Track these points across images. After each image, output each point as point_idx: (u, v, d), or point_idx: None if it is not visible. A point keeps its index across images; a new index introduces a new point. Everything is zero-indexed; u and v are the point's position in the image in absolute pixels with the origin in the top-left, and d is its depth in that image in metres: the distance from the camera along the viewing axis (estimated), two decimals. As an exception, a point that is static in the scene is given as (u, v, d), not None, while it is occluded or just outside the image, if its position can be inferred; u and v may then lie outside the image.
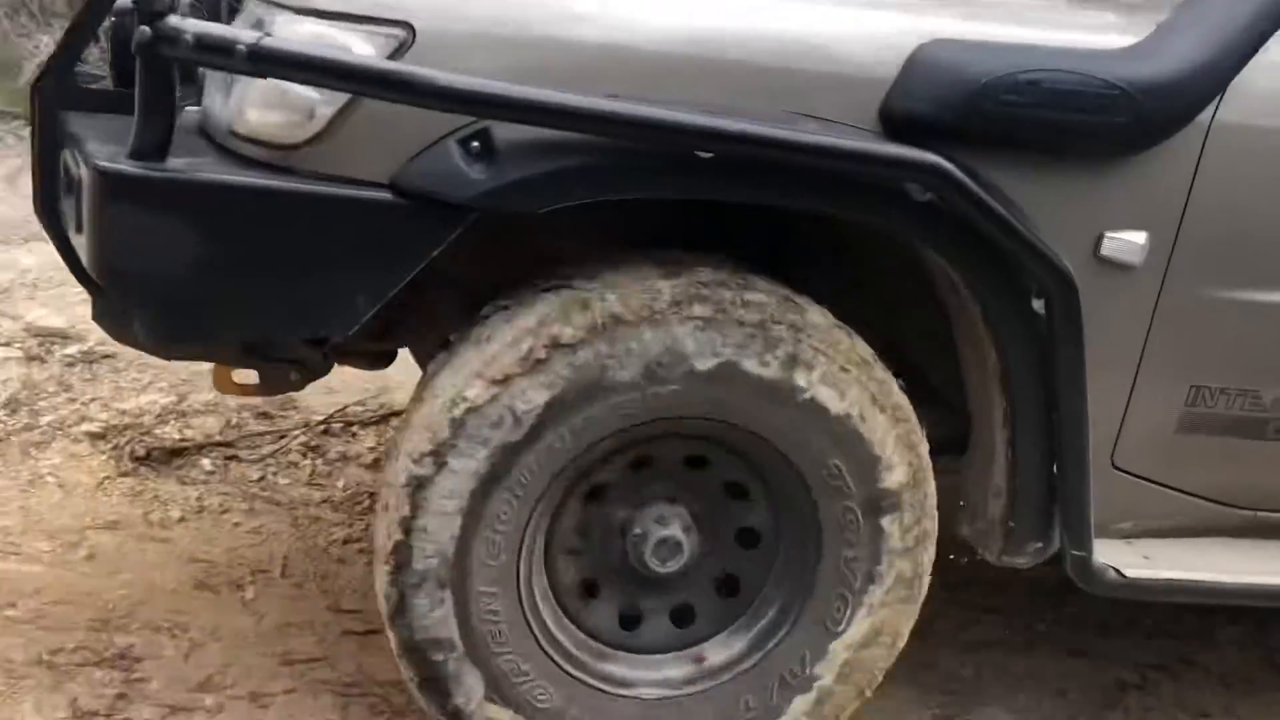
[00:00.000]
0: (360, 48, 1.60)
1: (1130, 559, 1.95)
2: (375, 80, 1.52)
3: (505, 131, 1.57)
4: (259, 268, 1.61)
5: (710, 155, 1.59)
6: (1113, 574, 1.90)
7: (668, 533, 1.80)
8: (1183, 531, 2.04)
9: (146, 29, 1.47)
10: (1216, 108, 1.78)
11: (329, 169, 1.62)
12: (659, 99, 1.58)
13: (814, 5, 1.74)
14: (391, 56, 1.59)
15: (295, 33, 1.65)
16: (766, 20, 1.69)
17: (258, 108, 1.66)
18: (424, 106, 1.53)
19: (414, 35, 1.60)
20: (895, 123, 1.66)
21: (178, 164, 1.58)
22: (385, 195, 1.60)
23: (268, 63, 1.49)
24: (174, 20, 1.48)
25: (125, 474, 2.76)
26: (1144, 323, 1.85)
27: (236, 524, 2.64)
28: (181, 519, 2.63)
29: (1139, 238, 1.79)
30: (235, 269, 1.61)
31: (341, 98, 1.59)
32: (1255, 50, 1.77)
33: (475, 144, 1.57)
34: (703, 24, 1.68)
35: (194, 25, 1.49)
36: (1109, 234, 1.79)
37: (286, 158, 1.64)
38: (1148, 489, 1.97)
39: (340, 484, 2.87)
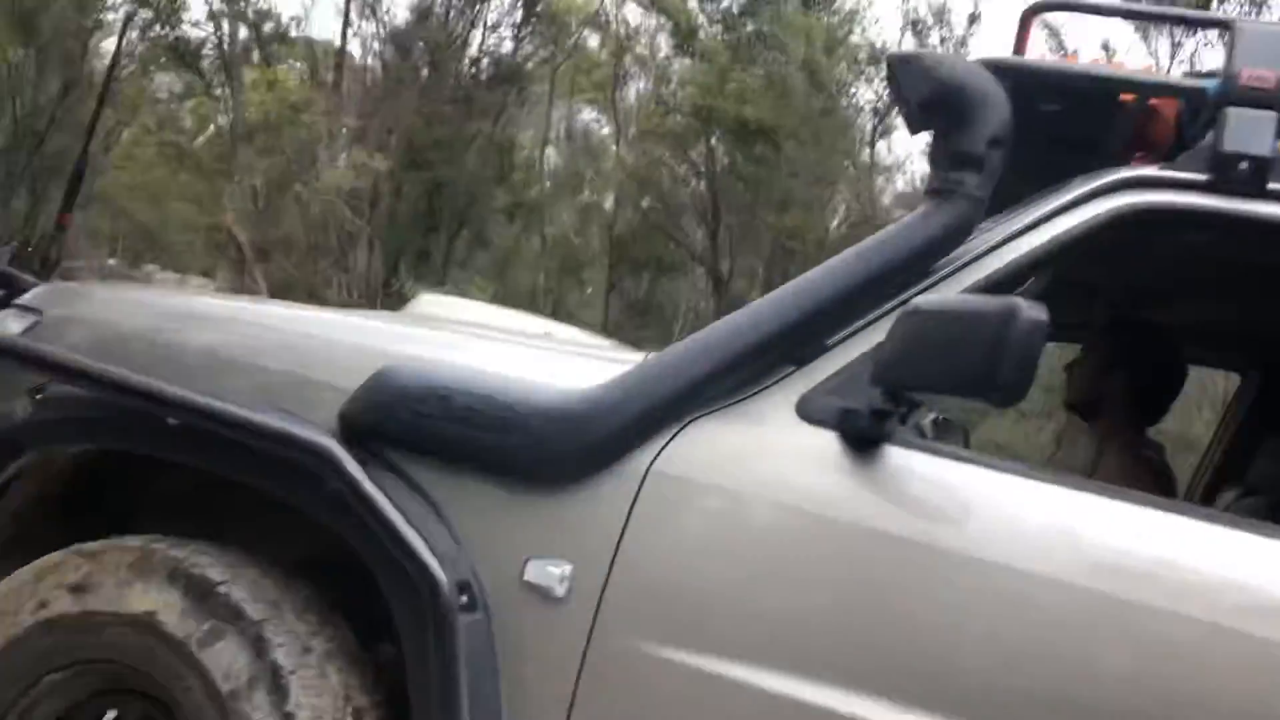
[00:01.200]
0: (14, 325, 2.19)
1: None
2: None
3: (58, 389, 2.04)
4: None
5: (176, 422, 1.95)
6: None
7: None
8: None
9: None
10: (656, 456, 1.85)
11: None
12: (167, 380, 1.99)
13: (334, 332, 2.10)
14: (28, 331, 2.16)
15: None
16: (277, 336, 2.07)
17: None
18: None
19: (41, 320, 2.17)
20: (344, 424, 1.93)
21: None
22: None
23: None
24: None
25: None
26: (575, 662, 1.82)
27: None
28: None
29: (562, 569, 1.83)
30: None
31: None
32: (687, 407, 1.85)
33: (37, 395, 2.05)
34: (227, 338, 2.09)
35: None
36: (533, 560, 1.85)
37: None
38: None
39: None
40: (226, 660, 1.82)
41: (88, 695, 1.98)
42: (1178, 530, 1.77)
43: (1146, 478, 2.55)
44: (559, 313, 16.21)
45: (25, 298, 2.25)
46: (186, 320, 2.15)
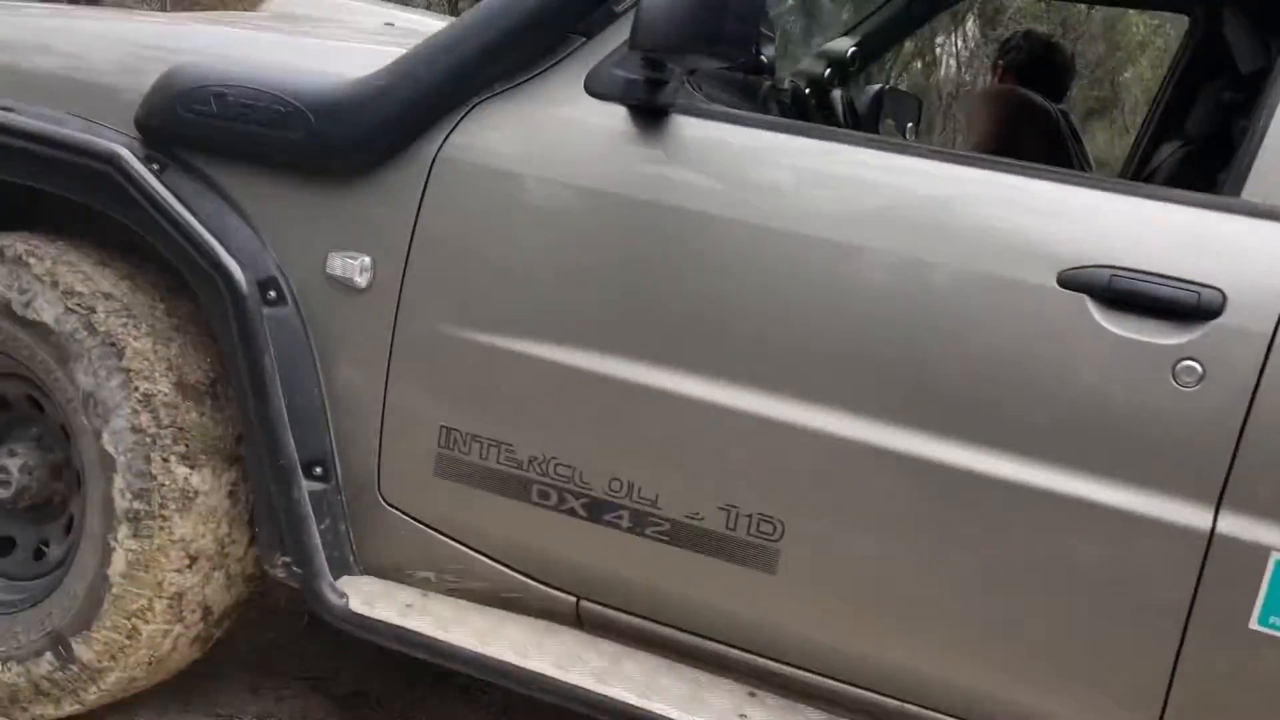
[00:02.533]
0: None
1: (379, 599, 1.89)
2: None
3: None
4: None
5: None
6: (342, 603, 1.87)
7: None
8: (514, 609, 1.93)
9: None
10: (443, 143, 1.80)
11: None
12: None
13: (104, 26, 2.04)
14: None
15: None
16: (64, 37, 2.02)
17: None
18: None
19: None
20: (139, 129, 1.91)
21: None
22: None
23: None
24: None
25: None
26: (384, 349, 1.86)
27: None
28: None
29: (362, 260, 1.84)
30: None
31: None
32: (468, 90, 1.79)
33: None
34: (48, 44, 2.06)
35: None
36: (333, 253, 1.85)
37: None
38: (430, 536, 1.91)
39: None
40: None
41: None
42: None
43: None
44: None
45: None
46: (19, 34, 2.10)
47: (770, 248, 1.68)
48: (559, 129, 1.79)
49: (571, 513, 1.81)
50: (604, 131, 1.77)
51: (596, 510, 1.79)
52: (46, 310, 1.88)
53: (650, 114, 1.74)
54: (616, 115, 1.77)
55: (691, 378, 1.72)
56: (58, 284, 1.88)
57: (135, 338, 1.87)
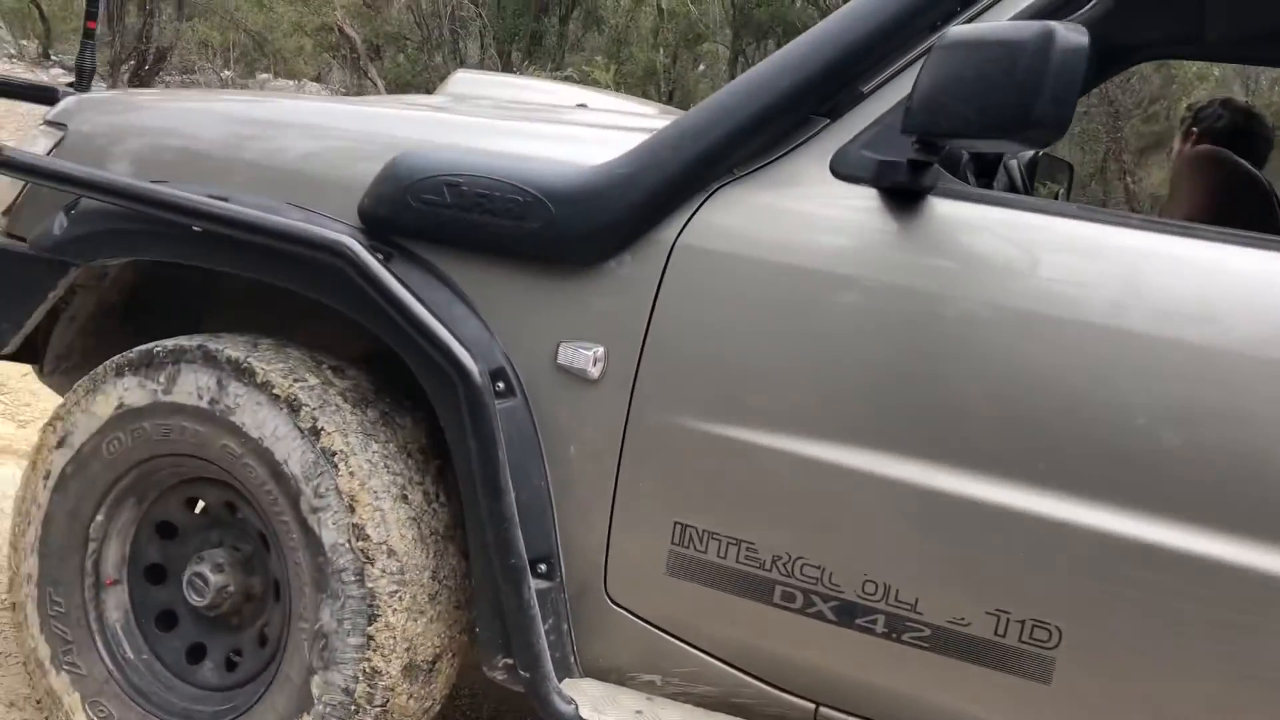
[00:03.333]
0: (43, 142, 2.18)
1: (607, 705, 1.81)
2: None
3: (87, 204, 2.04)
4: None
5: (199, 229, 1.93)
6: (571, 710, 1.79)
7: None
8: (744, 714, 1.83)
9: None
10: (682, 229, 1.74)
11: (14, 230, 2.20)
12: (191, 185, 1.97)
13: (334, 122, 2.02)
14: (56, 146, 2.16)
15: (32, 133, 2.27)
16: (290, 130, 2.01)
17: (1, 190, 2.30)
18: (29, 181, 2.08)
19: (67, 133, 2.15)
20: (363, 218, 1.88)
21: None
22: (25, 249, 2.13)
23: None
24: None
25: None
26: (615, 441, 1.79)
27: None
28: None
29: (594, 351, 1.78)
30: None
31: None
32: (710, 175, 1.73)
33: (70, 211, 2.06)
34: (241, 132, 2.04)
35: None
36: (564, 343, 1.79)
37: (3, 224, 2.25)
38: (658, 637, 1.82)
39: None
40: (192, 385, 1.91)
41: (136, 523, 2.08)
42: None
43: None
44: (679, 89, 15.71)
45: (52, 112, 2.23)
46: (205, 123, 2.10)
47: (1041, 336, 1.58)
48: (804, 213, 1.72)
49: (819, 616, 1.71)
50: (853, 215, 1.70)
51: (847, 614, 1.69)
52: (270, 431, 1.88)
53: (905, 197, 1.67)
54: (865, 198, 1.70)
55: (955, 474, 1.62)
56: (279, 396, 1.87)
57: (350, 460, 1.86)
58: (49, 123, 2.22)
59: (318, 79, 12.29)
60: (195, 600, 2.02)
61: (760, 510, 1.72)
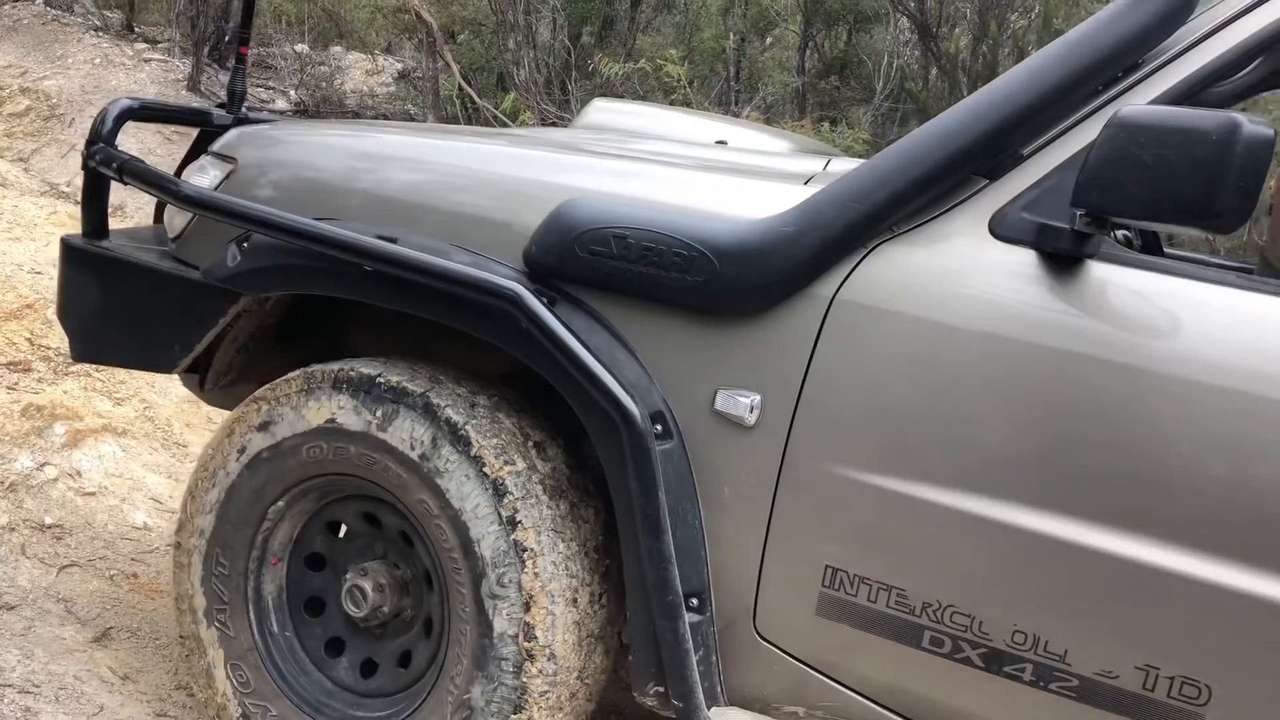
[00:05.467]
0: (213, 174, 2.29)
1: (758, 737, 1.89)
2: (167, 191, 2.19)
3: (259, 239, 2.15)
4: (122, 316, 2.33)
5: (370, 268, 2.02)
6: (721, 741, 1.87)
7: None
8: (881, 746, 1.90)
9: (91, 151, 2.29)
10: (841, 285, 1.81)
11: (184, 257, 2.32)
12: (359, 225, 2.07)
13: (498, 164, 2.10)
14: (225, 179, 2.26)
15: (200, 164, 2.38)
16: (459, 174, 2.09)
17: (169, 215, 2.41)
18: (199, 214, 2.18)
19: (237, 167, 2.26)
20: (528, 264, 1.96)
21: (107, 243, 2.37)
22: (198, 278, 2.24)
23: (132, 177, 2.24)
24: (107, 150, 2.28)
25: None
26: (768, 486, 1.86)
27: None
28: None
29: (751, 399, 1.85)
30: (110, 314, 2.34)
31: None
32: (871, 233, 1.79)
33: (243, 244, 2.16)
34: (410, 173, 2.13)
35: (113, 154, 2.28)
36: (722, 390, 1.87)
37: (173, 249, 2.36)
38: (804, 672, 1.90)
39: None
40: (407, 433, 1.98)
41: (310, 515, 2.18)
42: None
43: None
44: (748, 74, 15.60)
45: (220, 144, 2.33)
46: (373, 161, 2.19)
47: (1205, 406, 1.62)
48: (961, 272, 1.77)
49: (966, 662, 1.77)
50: (1010, 276, 1.74)
51: (995, 661, 1.75)
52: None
53: (1066, 260, 1.71)
54: (1023, 258, 1.74)
55: (1107, 532, 1.67)
56: (488, 475, 1.96)
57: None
58: (217, 154, 2.32)
59: (388, 49, 12.44)
60: (351, 610, 2.13)
61: (911, 559, 1.79)
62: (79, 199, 2.35)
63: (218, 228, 2.23)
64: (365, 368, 2.05)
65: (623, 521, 1.90)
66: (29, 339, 4.28)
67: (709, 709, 1.91)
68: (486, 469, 1.95)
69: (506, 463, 1.96)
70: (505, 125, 7.69)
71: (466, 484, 1.95)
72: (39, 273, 4.86)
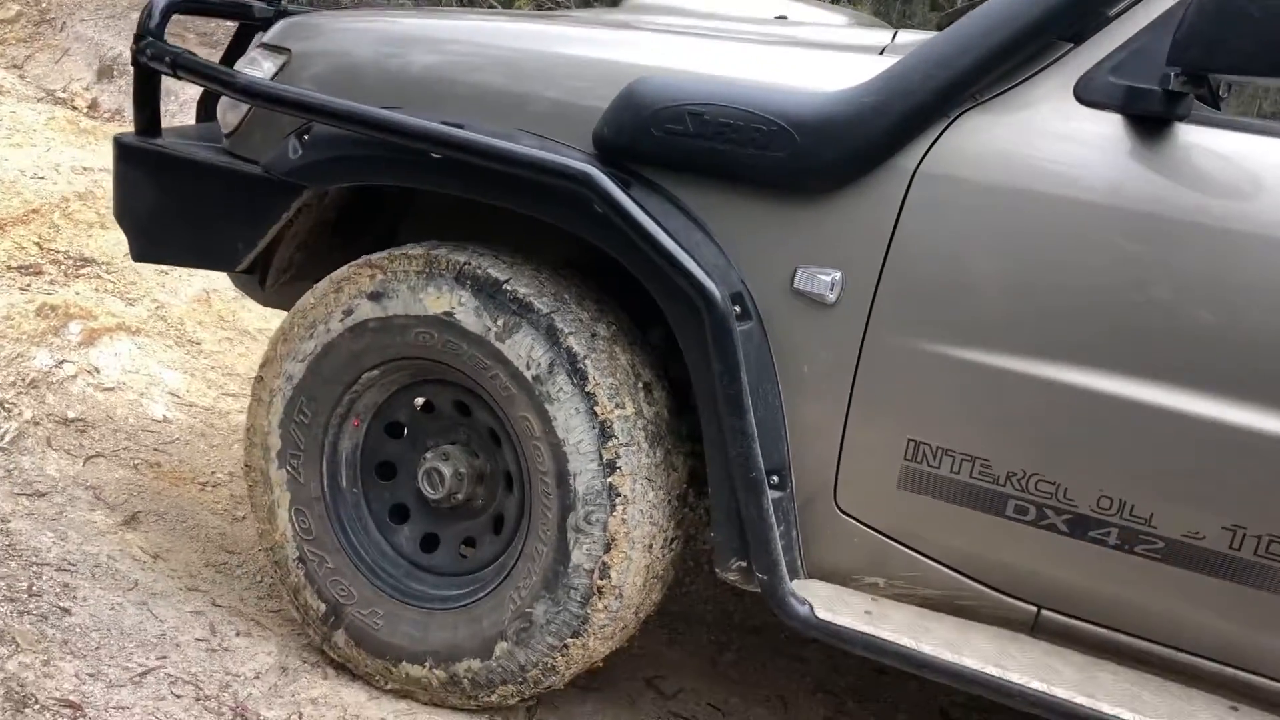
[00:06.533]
0: (266, 65, 2.25)
1: (839, 605, 1.93)
2: (224, 84, 2.15)
3: (321, 130, 2.12)
4: (182, 214, 2.31)
5: (438, 156, 2.00)
6: (806, 610, 1.91)
7: None
8: (965, 615, 1.94)
9: (140, 46, 2.24)
10: (923, 156, 1.78)
11: (240, 152, 2.29)
12: (424, 113, 2.03)
13: (568, 44, 2.06)
14: (280, 71, 2.22)
15: (251, 56, 2.34)
16: (517, 58, 2.05)
17: (222, 110, 2.37)
18: (260, 107, 2.15)
19: (290, 57, 2.22)
20: (598, 145, 1.93)
21: (160, 140, 2.34)
22: (259, 173, 2.22)
23: (186, 71, 2.20)
24: (158, 44, 2.23)
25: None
26: (849, 363, 1.86)
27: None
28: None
29: (832, 276, 1.84)
30: (169, 213, 2.33)
31: (246, 104, 2.25)
32: (954, 102, 1.76)
33: (304, 136, 2.13)
34: (483, 63, 2.08)
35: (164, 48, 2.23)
36: (801, 268, 1.86)
37: (228, 145, 2.33)
38: (885, 544, 1.93)
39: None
40: (525, 350, 1.97)
41: (401, 387, 2.20)
42: None
43: None
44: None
45: (271, 35, 2.29)
46: (433, 47, 2.14)
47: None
48: (1047, 139, 1.75)
49: (1050, 528, 1.80)
50: (1098, 141, 1.72)
51: (1080, 527, 1.78)
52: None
53: (1155, 123, 1.69)
54: (1111, 123, 1.72)
55: (1194, 395, 1.68)
56: (597, 415, 1.96)
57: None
58: (269, 46, 2.28)
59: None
60: (427, 491, 2.16)
61: (996, 429, 1.80)
62: (75, 104, 2.31)
63: (274, 122, 2.20)
64: (493, 269, 2.01)
65: (704, 403, 1.91)
66: (37, 243, 4.28)
67: (791, 582, 1.95)
68: (598, 408, 1.95)
69: (618, 405, 1.96)
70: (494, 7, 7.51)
71: (575, 418, 1.95)
72: (42, 178, 4.84)
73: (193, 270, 4.43)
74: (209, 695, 2.13)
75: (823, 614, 1.90)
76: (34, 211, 4.59)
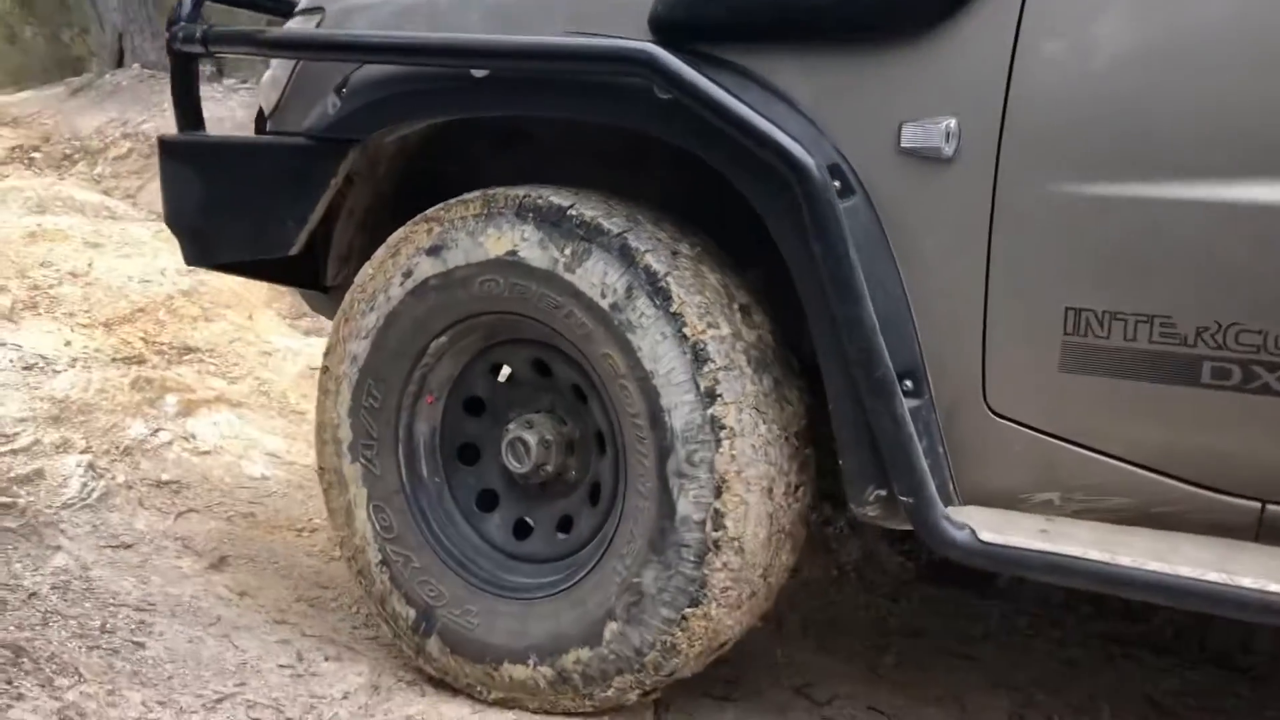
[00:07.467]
0: (305, 25, 2.10)
1: (1008, 526, 1.58)
2: (256, 42, 2.00)
3: (357, 78, 1.94)
4: (229, 201, 2.15)
5: (483, 74, 1.79)
6: (966, 535, 1.57)
7: None
8: (1166, 525, 1.58)
9: (173, 33, 2.12)
10: (1035, -32, 1.50)
11: (282, 127, 2.13)
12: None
13: None
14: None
15: (286, 26, 2.19)
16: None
17: (263, 92, 2.22)
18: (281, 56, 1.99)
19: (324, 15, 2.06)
20: (657, 29, 1.70)
21: (203, 133, 2.20)
22: (300, 140, 2.05)
23: (218, 43, 2.06)
24: (188, 26, 2.10)
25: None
26: (982, 226, 1.56)
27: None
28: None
29: (946, 124, 1.55)
30: (217, 203, 2.16)
31: (284, 77, 2.09)
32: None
33: (341, 90, 1.96)
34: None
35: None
36: (907, 124, 1.57)
37: (270, 125, 2.18)
38: (1055, 447, 1.59)
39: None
40: (598, 276, 1.72)
41: (474, 354, 1.96)
42: None
43: None
44: None
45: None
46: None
47: None
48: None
49: (1265, 390, 1.44)
50: None
51: (1304, 382, 1.41)
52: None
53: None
54: None
55: None
56: (687, 338, 1.71)
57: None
58: (304, 10, 2.13)
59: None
60: (512, 464, 1.91)
61: (1174, 276, 1.46)
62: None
63: (314, 89, 2.04)
64: (555, 197, 1.79)
65: (810, 299, 1.62)
66: (143, 339, 4.27)
67: (946, 507, 1.61)
68: (687, 330, 1.69)
69: (710, 325, 1.70)
70: None
71: (662, 344, 1.69)
72: (148, 281, 4.87)
73: (297, 350, 4.37)
74: (290, 718, 1.87)
75: (988, 536, 1.56)
76: (140, 310, 4.59)
